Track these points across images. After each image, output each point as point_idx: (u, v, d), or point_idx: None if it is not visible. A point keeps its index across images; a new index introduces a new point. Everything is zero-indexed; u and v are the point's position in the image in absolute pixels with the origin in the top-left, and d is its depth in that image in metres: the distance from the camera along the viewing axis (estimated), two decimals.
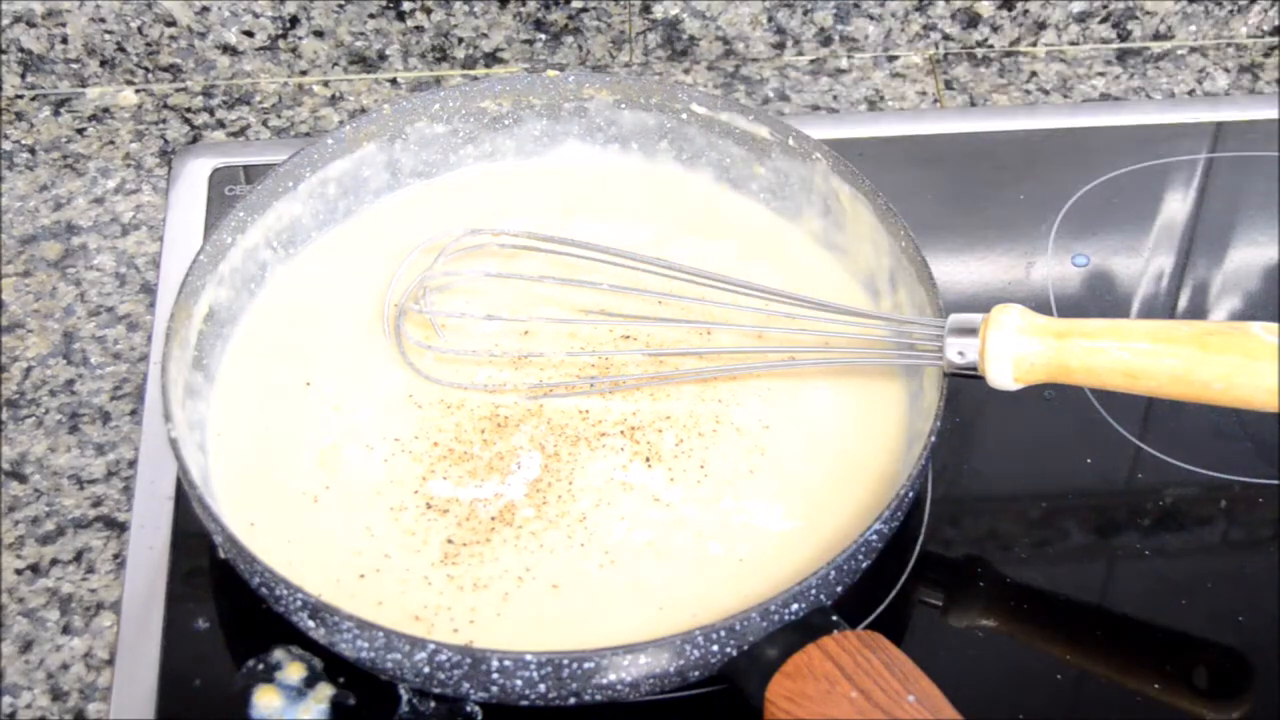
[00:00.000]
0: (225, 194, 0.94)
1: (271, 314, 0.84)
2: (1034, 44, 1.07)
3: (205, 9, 1.00)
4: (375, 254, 0.87)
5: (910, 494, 0.72)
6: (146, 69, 1.02)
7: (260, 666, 0.72)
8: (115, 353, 0.87)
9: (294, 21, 1.01)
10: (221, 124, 1.01)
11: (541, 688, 0.67)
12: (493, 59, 1.04)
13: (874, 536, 0.70)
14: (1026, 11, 1.05)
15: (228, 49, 1.02)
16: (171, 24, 1.00)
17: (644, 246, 0.87)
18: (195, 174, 0.96)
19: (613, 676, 0.67)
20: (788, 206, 0.89)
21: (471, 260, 0.86)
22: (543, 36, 1.03)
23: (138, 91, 1.03)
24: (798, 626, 0.68)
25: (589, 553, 0.74)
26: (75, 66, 1.02)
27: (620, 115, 0.91)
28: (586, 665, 0.66)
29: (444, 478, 0.77)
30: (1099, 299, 0.90)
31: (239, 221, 0.83)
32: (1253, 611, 0.76)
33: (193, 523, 0.75)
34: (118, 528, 0.79)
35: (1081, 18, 1.06)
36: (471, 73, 1.05)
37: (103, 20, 1.00)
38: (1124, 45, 1.07)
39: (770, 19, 1.04)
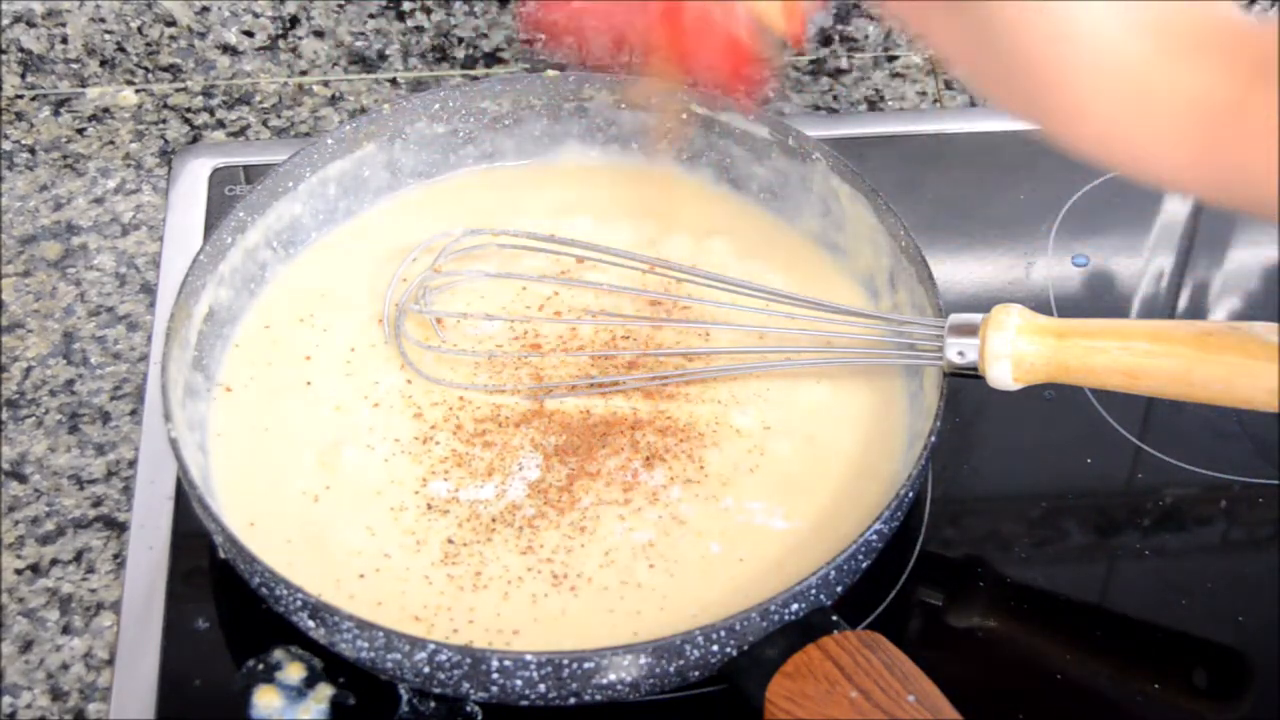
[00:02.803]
0: (225, 194, 0.94)
1: (271, 314, 0.84)
2: None
3: (205, 9, 1.00)
4: (375, 254, 0.87)
5: (910, 494, 0.72)
6: (146, 69, 1.02)
7: (260, 666, 0.72)
8: (115, 353, 0.87)
9: (294, 21, 1.01)
10: (221, 124, 1.01)
11: (541, 688, 0.67)
12: (493, 59, 1.04)
13: (874, 536, 0.70)
14: None
15: (228, 49, 1.02)
16: (171, 24, 1.00)
17: (644, 246, 0.87)
18: (195, 174, 0.96)
19: (613, 676, 0.67)
20: (787, 206, 0.89)
21: (471, 260, 0.86)
22: (543, 36, 1.03)
23: (138, 91, 1.03)
24: (798, 626, 0.68)
25: (589, 553, 0.74)
26: (75, 66, 1.02)
27: (620, 115, 0.91)
28: (586, 665, 0.66)
29: (444, 478, 0.77)
30: (1099, 299, 0.90)
31: (239, 221, 0.83)
32: (1253, 611, 0.76)
33: (193, 523, 0.75)
34: (118, 528, 0.79)
35: None
36: (471, 73, 1.05)
37: (103, 20, 1.00)
38: None
39: None
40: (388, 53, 1.03)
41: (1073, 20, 0.58)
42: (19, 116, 1.01)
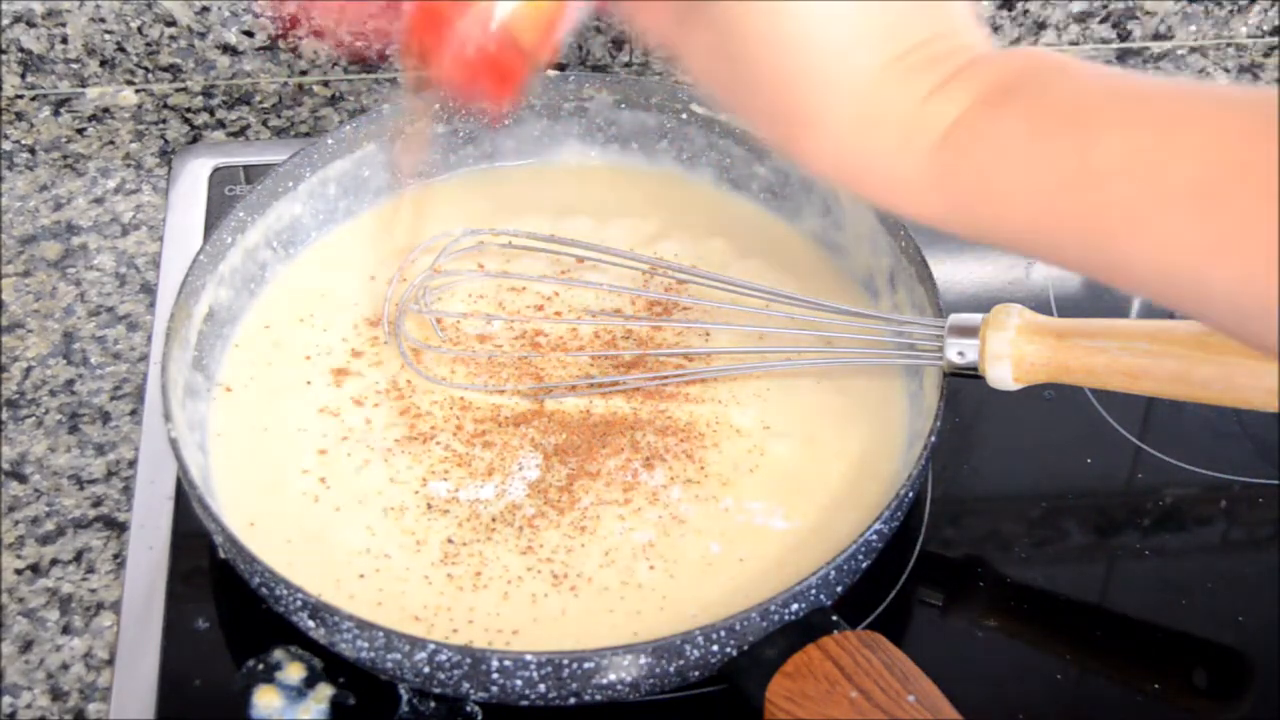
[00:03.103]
0: (225, 194, 0.94)
1: (271, 314, 0.84)
2: (1034, 44, 1.07)
3: (205, 9, 1.00)
4: (375, 254, 0.87)
5: (910, 494, 0.72)
6: (146, 69, 1.02)
7: (260, 666, 0.72)
8: (115, 353, 0.87)
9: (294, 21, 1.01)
10: (221, 124, 1.01)
11: (541, 688, 0.67)
12: None
13: (874, 536, 0.70)
14: (1026, 11, 1.05)
15: (228, 49, 1.02)
16: (171, 24, 1.00)
17: (644, 246, 0.87)
18: (195, 174, 0.96)
19: (613, 676, 0.67)
20: (787, 206, 0.89)
21: (471, 260, 0.87)
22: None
23: (138, 91, 1.03)
24: (798, 626, 0.68)
25: (589, 553, 0.74)
26: (75, 66, 1.02)
27: (620, 115, 0.91)
28: (586, 665, 0.66)
29: (444, 478, 0.77)
30: (1099, 299, 0.90)
31: (239, 221, 0.83)
32: (1253, 611, 0.76)
33: (193, 523, 0.75)
34: (118, 528, 0.79)
35: (1081, 18, 1.06)
36: None
37: (103, 20, 1.00)
38: (1124, 45, 1.07)
39: None
40: (388, 53, 1.03)
41: (805, 28, 0.58)
42: (19, 116, 1.01)
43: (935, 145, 0.57)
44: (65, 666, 0.74)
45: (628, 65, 1.05)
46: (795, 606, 0.68)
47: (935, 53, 0.58)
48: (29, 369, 0.86)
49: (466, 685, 0.67)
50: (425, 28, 0.66)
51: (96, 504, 0.80)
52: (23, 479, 0.81)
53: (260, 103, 1.02)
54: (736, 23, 0.59)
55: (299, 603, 0.68)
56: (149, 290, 0.90)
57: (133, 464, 0.82)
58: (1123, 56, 1.06)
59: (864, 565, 0.72)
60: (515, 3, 0.63)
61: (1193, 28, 1.07)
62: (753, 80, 0.60)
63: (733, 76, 0.61)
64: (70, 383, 0.86)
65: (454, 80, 0.66)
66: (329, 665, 0.71)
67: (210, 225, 0.92)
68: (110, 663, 0.74)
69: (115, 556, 0.78)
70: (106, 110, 1.02)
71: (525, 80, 0.66)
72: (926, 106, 0.57)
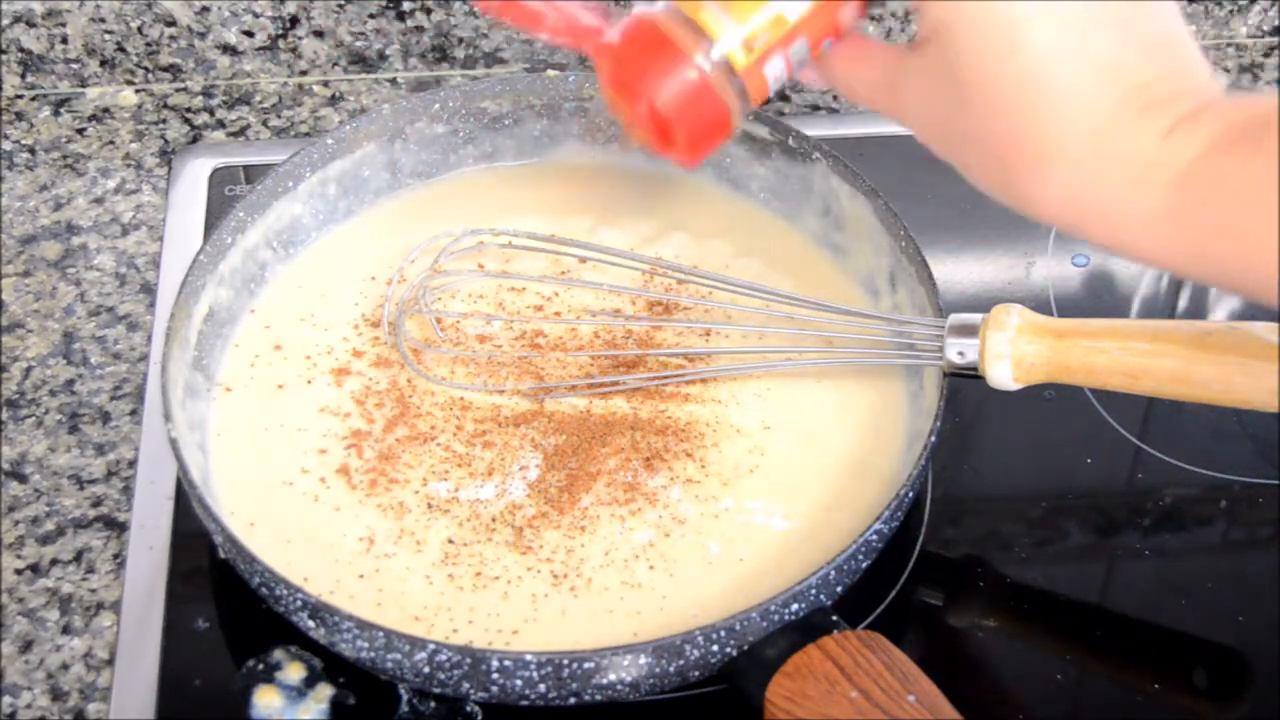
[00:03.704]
0: (225, 194, 0.94)
1: (271, 314, 0.84)
2: None
3: (205, 9, 1.00)
4: (375, 254, 0.87)
5: (910, 494, 0.72)
6: (146, 69, 1.02)
7: (260, 666, 0.72)
8: (115, 353, 0.87)
9: (294, 21, 1.01)
10: (221, 124, 1.01)
11: (541, 688, 0.67)
12: (493, 59, 1.04)
13: (874, 536, 0.70)
14: None
15: (228, 49, 1.02)
16: (171, 24, 1.00)
17: (643, 246, 0.87)
18: (195, 174, 0.96)
19: (613, 676, 0.67)
20: (787, 206, 0.89)
21: (471, 260, 0.87)
22: (543, 36, 1.03)
23: (138, 91, 1.03)
24: (798, 626, 0.68)
25: (589, 553, 0.74)
26: (75, 66, 1.02)
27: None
28: (586, 665, 0.66)
29: (444, 478, 0.77)
30: (1099, 299, 0.90)
31: (239, 221, 0.83)
32: (1253, 611, 0.76)
33: (193, 523, 0.75)
34: (118, 528, 0.79)
35: None
36: (471, 73, 1.05)
37: (103, 20, 1.00)
38: None
39: None
40: (388, 53, 1.03)
41: (1038, 64, 0.57)
42: (19, 116, 1.01)
43: (1173, 185, 0.56)
44: (65, 666, 0.74)
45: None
46: (795, 606, 0.68)
47: (1170, 91, 0.57)
48: (29, 369, 0.86)
49: (466, 685, 0.67)
50: (624, 77, 0.65)
51: (96, 504, 0.80)
52: (23, 479, 0.81)
53: (260, 103, 1.02)
54: (963, 63, 0.58)
55: (299, 603, 0.68)
56: (149, 290, 0.90)
57: (133, 464, 0.82)
58: None
59: (864, 565, 0.72)
60: (729, 50, 0.63)
61: (1193, 28, 1.07)
62: (978, 120, 0.59)
63: (954, 120, 0.60)
64: (70, 383, 0.86)
65: (649, 131, 0.66)
66: (329, 665, 0.71)
67: (210, 225, 0.92)
68: (110, 663, 0.74)
69: (115, 556, 0.78)
70: (106, 110, 1.02)
71: (727, 134, 0.66)
72: (1164, 145, 0.57)
